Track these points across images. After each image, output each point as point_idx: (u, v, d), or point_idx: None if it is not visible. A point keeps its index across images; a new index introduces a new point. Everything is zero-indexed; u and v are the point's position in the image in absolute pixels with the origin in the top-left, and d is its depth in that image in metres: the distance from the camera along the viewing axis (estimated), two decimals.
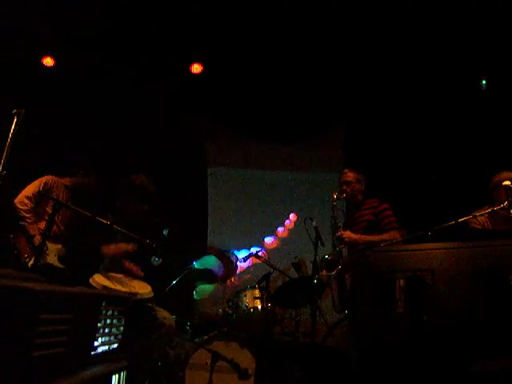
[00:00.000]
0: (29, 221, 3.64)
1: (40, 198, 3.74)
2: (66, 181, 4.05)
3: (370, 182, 3.97)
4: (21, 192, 3.78)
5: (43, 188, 3.81)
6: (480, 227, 3.28)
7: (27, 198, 3.71)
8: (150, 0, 4.61)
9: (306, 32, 4.93)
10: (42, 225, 3.66)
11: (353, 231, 3.72)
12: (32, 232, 3.58)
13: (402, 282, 1.97)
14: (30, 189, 3.78)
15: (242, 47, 5.24)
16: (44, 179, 3.88)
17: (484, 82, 5.31)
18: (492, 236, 2.79)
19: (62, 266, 3.65)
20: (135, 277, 3.31)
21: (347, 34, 4.94)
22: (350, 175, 3.84)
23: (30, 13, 4.56)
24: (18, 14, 4.56)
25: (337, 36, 4.97)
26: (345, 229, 3.77)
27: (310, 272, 4.17)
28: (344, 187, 3.83)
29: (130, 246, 3.29)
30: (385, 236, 3.52)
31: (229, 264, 4.87)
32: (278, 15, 4.73)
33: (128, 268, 3.37)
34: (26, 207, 3.67)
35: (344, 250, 3.72)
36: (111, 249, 3.25)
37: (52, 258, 3.64)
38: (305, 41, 5.05)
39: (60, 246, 3.78)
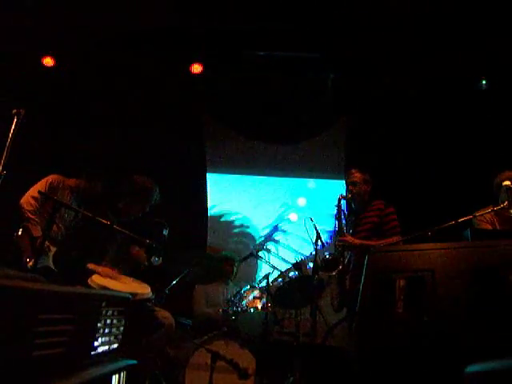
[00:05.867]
0: (33, 222, 3.53)
1: (44, 198, 3.63)
2: (72, 182, 3.88)
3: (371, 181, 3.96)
4: (24, 192, 3.70)
5: (48, 187, 3.65)
6: (489, 225, 3.28)
7: (33, 198, 3.53)
8: (151, 0, 4.62)
9: (304, 29, 4.93)
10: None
11: (357, 232, 3.71)
12: (36, 234, 3.49)
13: (401, 281, 1.97)
14: (36, 188, 3.60)
15: (241, 47, 5.25)
16: (50, 178, 3.71)
17: (484, 81, 5.31)
18: (496, 236, 2.79)
19: (55, 270, 3.58)
20: (136, 277, 3.31)
21: (346, 32, 4.94)
22: (357, 176, 3.81)
23: (30, 13, 4.57)
24: (18, 13, 4.56)
25: (335, 34, 4.97)
26: (347, 229, 3.77)
27: (310, 272, 4.17)
28: (350, 187, 3.81)
29: (114, 272, 3.27)
30: (387, 241, 3.51)
31: (230, 265, 4.87)
32: (276, 14, 4.74)
33: (136, 255, 3.37)
34: (31, 208, 3.51)
35: (346, 253, 3.72)
36: (97, 269, 3.23)
37: (51, 262, 3.59)
38: (303, 39, 5.05)
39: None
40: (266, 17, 4.77)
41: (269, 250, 4.66)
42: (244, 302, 4.21)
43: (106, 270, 3.27)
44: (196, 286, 4.73)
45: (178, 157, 5.58)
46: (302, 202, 5.97)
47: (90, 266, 3.23)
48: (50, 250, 3.49)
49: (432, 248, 2.05)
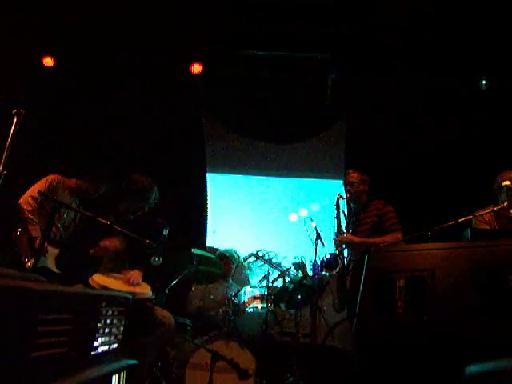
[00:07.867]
0: (32, 222, 3.52)
1: (43, 198, 3.59)
2: (72, 182, 3.90)
3: (371, 181, 3.96)
4: (24, 192, 3.69)
5: (48, 187, 3.66)
6: (488, 226, 3.28)
7: (32, 198, 3.55)
8: (151, 0, 4.62)
9: (304, 30, 4.93)
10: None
11: (357, 232, 3.72)
12: (34, 234, 3.48)
13: (401, 281, 1.97)
14: (36, 188, 3.62)
15: (241, 47, 5.25)
16: (50, 178, 3.74)
17: (484, 81, 5.31)
18: (496, 236, 2.79)
19: (58, 272, 3.56)
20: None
21: (346, 32, 4.94)
22: (354, 176, 3.82)
23: (30, 13, 4.57)
24: (19, 13, 4.56)
25: (335, 34, 4.97)
26: (348, 230, 3.77)
27: (310, 272, 4.17)
28: (348, 188, 3.82)
29: (114, 243, 3.22)
30: (387, 238, 3.51)
31: (228, 264, 4.86)
32: (276, 14, 4.74)
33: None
34: (30, 208, 3.52)
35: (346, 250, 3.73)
36: (97, 249, 3.21)
37: (51, 263, 3.57)
38: (303, 39, 5.05)
39: (59, 251, 3.67)
40: (267, 17, 4.77)
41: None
42: (244, 302, 4.21)
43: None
44: (193, 287, 4.71)
45: (178, 157, 5.58)
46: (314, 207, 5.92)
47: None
48: (47, 250, 3.48)
49: (432, 248, 2.05)
